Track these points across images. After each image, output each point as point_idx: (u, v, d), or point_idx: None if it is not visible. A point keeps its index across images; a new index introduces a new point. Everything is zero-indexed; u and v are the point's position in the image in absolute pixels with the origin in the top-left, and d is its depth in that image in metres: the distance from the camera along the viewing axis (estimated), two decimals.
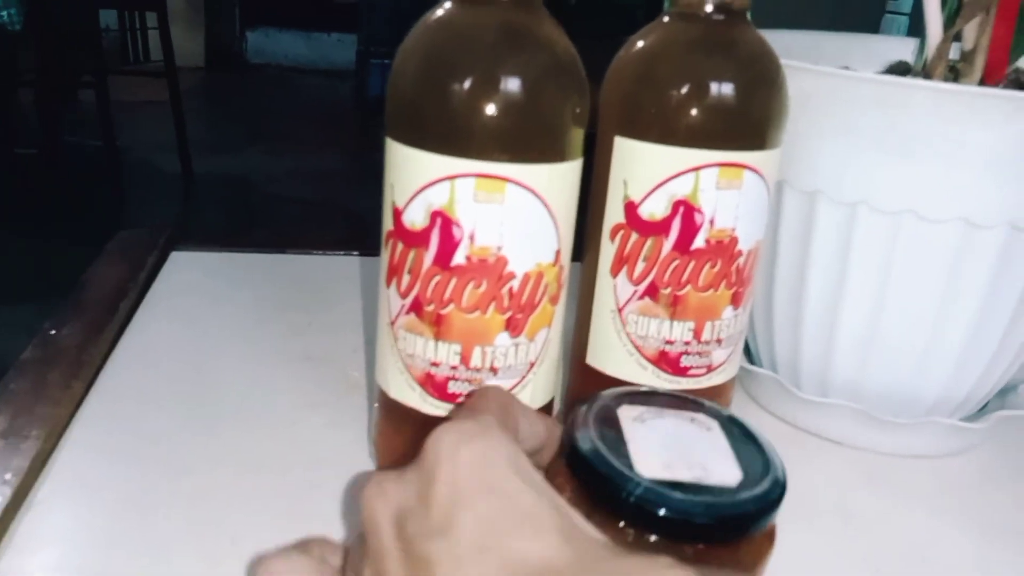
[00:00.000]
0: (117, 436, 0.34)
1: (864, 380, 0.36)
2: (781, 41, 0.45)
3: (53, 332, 0.42)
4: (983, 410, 0.39)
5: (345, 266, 0.54)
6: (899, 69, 0.40)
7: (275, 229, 2.19)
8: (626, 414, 0.25)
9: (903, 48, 0.45)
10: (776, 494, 0.22)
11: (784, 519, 0.31)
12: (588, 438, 0.23)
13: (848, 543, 0.31)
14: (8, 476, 0.30)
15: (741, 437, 0.25)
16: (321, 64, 4.54)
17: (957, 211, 0.32)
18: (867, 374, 0.36)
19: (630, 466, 0.22)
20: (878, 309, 0.34)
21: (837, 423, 0.38)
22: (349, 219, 2.28)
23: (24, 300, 1.62)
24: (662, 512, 0.21)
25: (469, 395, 0.26)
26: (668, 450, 0.23)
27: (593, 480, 0.22)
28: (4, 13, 1.79)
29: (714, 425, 0.25)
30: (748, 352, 0.42)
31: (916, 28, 0.37)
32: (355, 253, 0.55)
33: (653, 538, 0.22)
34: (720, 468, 0.23)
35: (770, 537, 0.23)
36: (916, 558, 0.31)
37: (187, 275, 0.51)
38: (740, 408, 0.40)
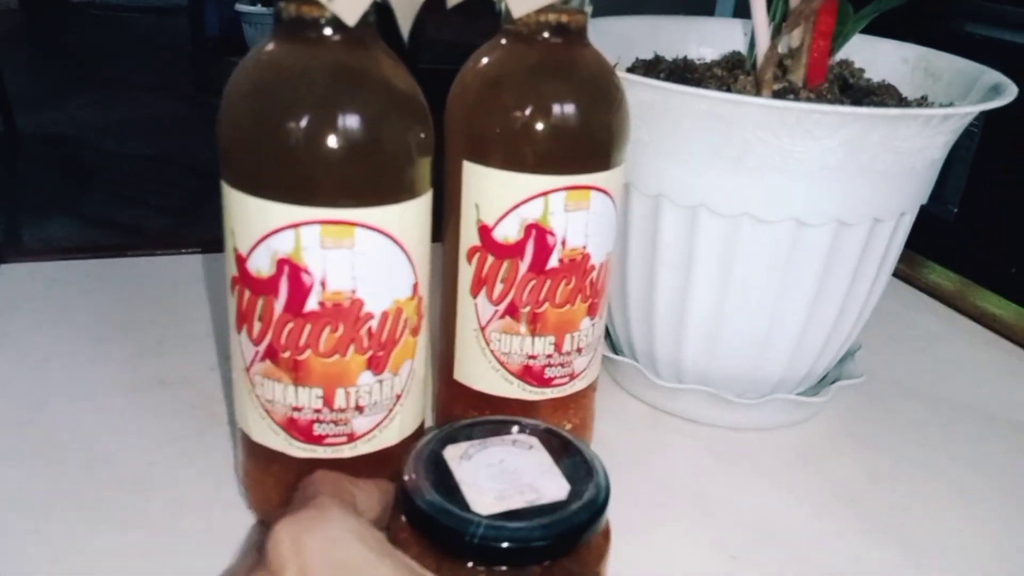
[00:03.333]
0: None
1: (713, 365, 0.39)
2: (621, 27, 0.45)
3: None
4: (823, 380, 0.42)
5: (191, 266, 0.51)
6: (733, 60, 0.41)
7: (112, 191, 2.04)
8: (452, 454, 0.26)
9: (736, 32, 0.46)
10: (602, 498, 0.25)
11: (643, 503, 0.33)
12: (421, 490, 0.25)
13: (703, 527, 0.34)
14: None
15: (561, 447, 0.27)
16: (152, 1, 4.20)
17: (788, 212, 0.34)
18: (716, 359, 0.39)
19: (467, 507, 0.24)
20: (721, 302, 0.36)
21: (692, 405, 0.40)
22: (191, 174, 2.16)
23: None
24: (505, 545, 0.23)
25: (298, 485, 0.26)
26: (498, 481, 0.25)
27: (435, 531, 0.24)
28: None
29: (535, 442, 0.27)
30: (611, 340, 0.44)
31: (744, 8, 0.38)
32: (198, 251, 0.53)
33: (503, 568, 0.23)
34: (549, 486, 0.25)
35: (606, 535, 0.26)
36: (765, 534, 0.33)
37: (17, 291, 0.47)
38: (606, 393, 0.41)
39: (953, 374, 0.48)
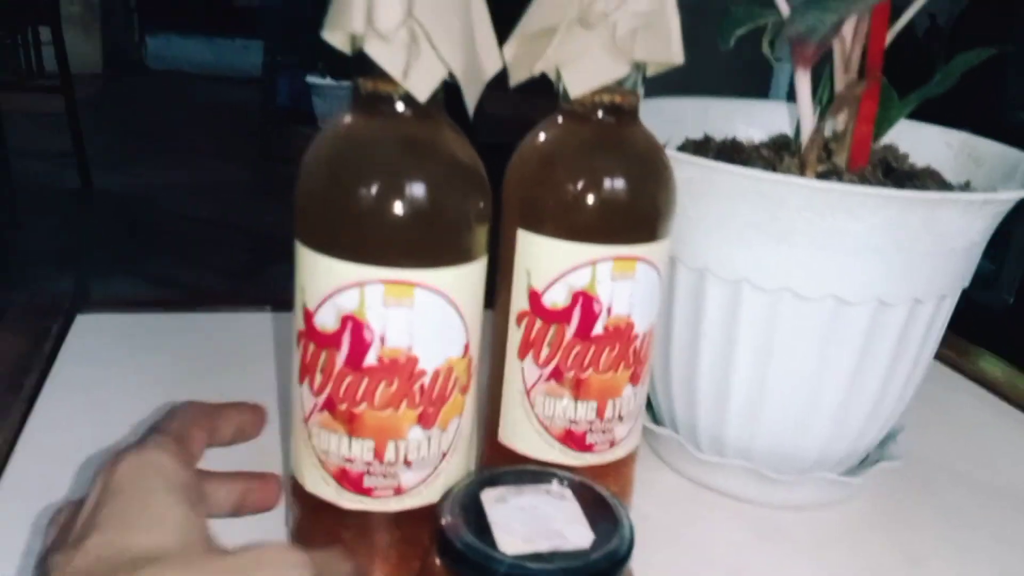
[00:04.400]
0: (30, 533, 0.34)
1: (755, 440, 0.39)
2: (673, 108, 0.47)
3: None
4: (866, 460, 0.42)
5: (254, 324, 0.54)
6: (780, 142, 0.43)
7: (176, 252, 2.13)
8: (488, 496, 0.28)
9: (784, 114, 0.48)
10: (624, 550, 0.26)
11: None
12: (454, 526, 0.26)
13: None
14: None
15: (593, 501, 0.28)
16: (226, 70, 4.42)
17: (829, 289, 0.34)
18: (757, 435, 0.39)
19: (494, 546, 0.25)
20: (762, 376, 0.37)
21: (732, 480, 0.40)
22: (252, 238, 2.24)
23: None
24: None
25: (168, 413, 0.31)
26: (527, 525, 0.27)
27: (464, 566, 0.25)
28: None
29: (567, 493, 0.29)
30: (652, 411, 0.45)
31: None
32: (267, 309, 0.55)
33: None
34: (574, 533, 0.27)
35: None
36: None
37: (94, 341, 0.50)
38: (646, 464, 0.42)
39: (996, 460, 0.47)
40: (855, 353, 0.36)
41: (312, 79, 3.13)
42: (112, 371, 0.46)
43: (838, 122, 0.38)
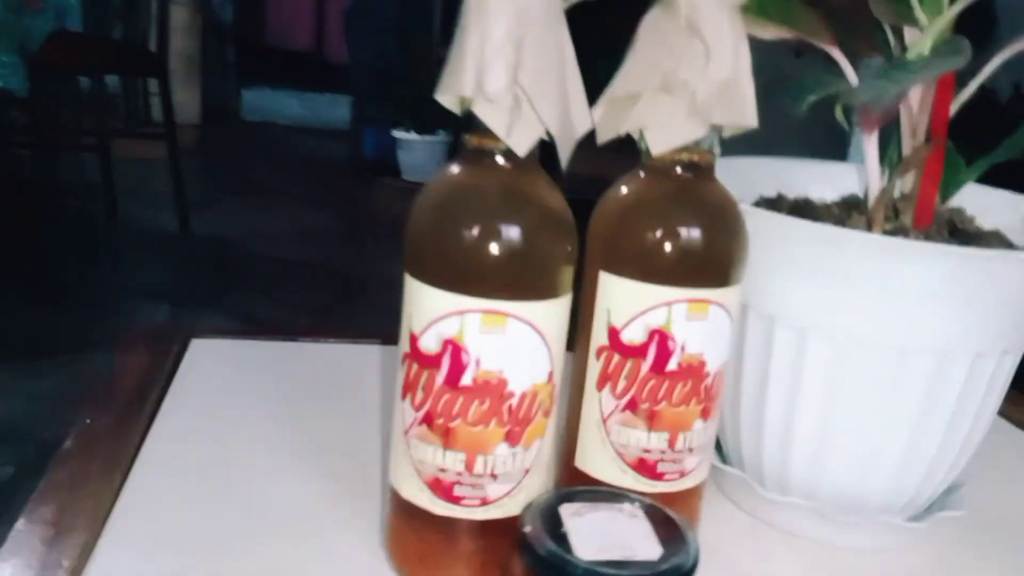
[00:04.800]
0: (153, 527, 0.38)
1: (818, 482, 0.41)
2: (751, 169, 0.50)
3: (89, 422, 0.46)
4: (929, 509, 0.43)
5: (354, 354, 0.58)
6: (851, 202, 0.45)
7: (262, 291, 2.23)
8: (567, 510, 0.31)
9: (855, 177, 0.50)
10: (689, 564, 0.28)
11: None
12: (535, 534, 0.29)
13: None
14: (64, 563, 0.34)
15: (662, 521, 0.31)
16: (315, 123, 4.63)
17: (892, 341, 0.37)
18: (820, 476, 0.41)
19: (571, 552, 0.28)
20: (826, 421, 0.39)
21: (795, 519, 0.42)
22: (335, 280, 2.33)
23: (12, 359, 1.64)
24: None
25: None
26: (601, 537, 0.29)
27: (543, 569, 0.28)
28: (10, 80, 1.85)
29: (639, 513, 0.31)
30: (720, 450, 0.47)
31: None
32: (375, 342, 0.60)
33: None
34: (644, 547, 0.29)
35: None
36: None
37: (207, 363, 0.55)
38: (712, 501, 0.44)
39: None
40: (917, 403, 0.38)
41: (397, 133, 3.26)
42: (223, 389, 0.51)
43: (905, 183, 0.41)
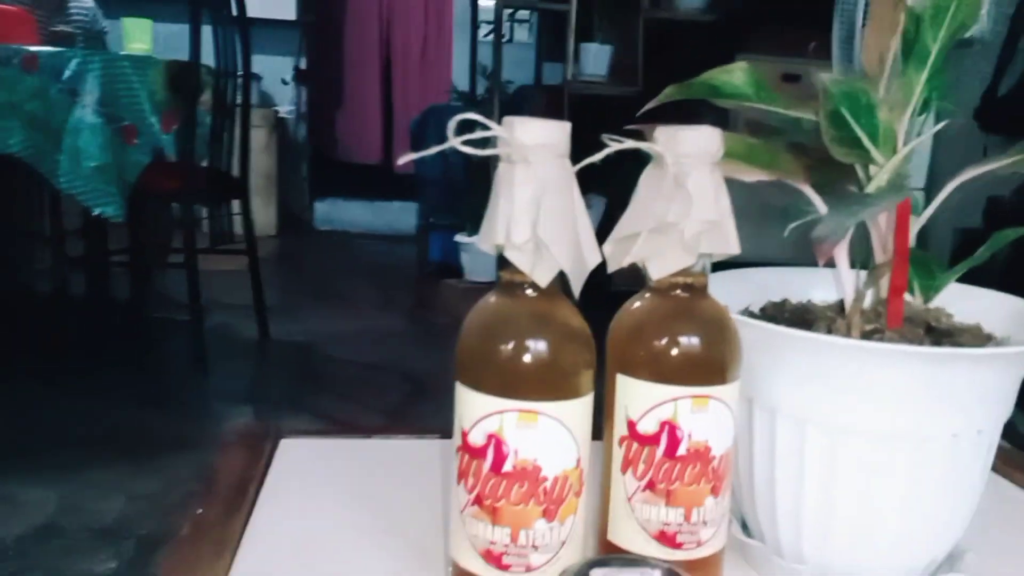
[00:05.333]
0: None
1: (828, 552, 0.46)
2: (758, 276, 0.58)
3: (200, 511, 0.55)
4: (936, 572, 0.48)
5: (423, 449, 0.66)
6: (841, 306, 0.52)
7: (337, 392, 2.34)
8: (596, 573, 0.37)
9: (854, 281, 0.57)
10: None
11: None
12: None
13: None
14: None
15: None
16: (384, 230, 4.86)
17: (877, 427, 0.43)
18: (829, 548, 0.46)
19: None
20: (828, 499, 0.45)
21: None
22: (406, 380, 2.44)
23: (115, 461, 1.77)
24: None
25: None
26: None
27: None
28: (108, 208, 2.05)
29: (657, 574, 0.38)
30: (746, 528, 0.53)
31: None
32: (436, 437, 0.68)
33: None
34: None
35: None
36: None
37: (295, 460, 0.63)
38: (735, 570, 0.50)
39: None
40: (904, 481, 0.44)
41: (460, 238, 3.42)
42: (310, 482, 0.60)
43: (881, 290, 0.48)
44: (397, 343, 2.83)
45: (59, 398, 2.13)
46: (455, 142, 0.38)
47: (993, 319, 0.50)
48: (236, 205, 2.79)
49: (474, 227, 2.86)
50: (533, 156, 0.38)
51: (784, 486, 0.47)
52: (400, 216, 4.82)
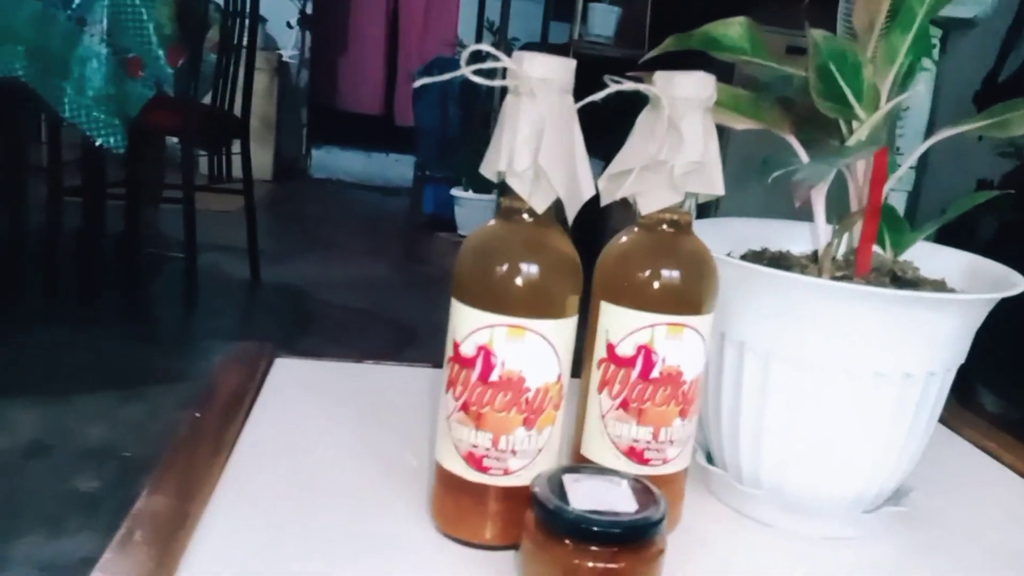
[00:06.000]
0: (250, 495, 0.49)
1: (785, 479, 0.50)
2: (741, 227, 0.61)
3: (198, 415, 0.58)
4: (883, 505, 0.52)
5: (414, 375, 0.70)
6: (816, 256, 0.55)
7: (325, 336, 2.38)
8: (568, 478, 0.41)
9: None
10: (656, 518, 0.39)
11: None
12: (543, 490, 0.40)
13: None
14: (186, 521, 0.46)
15: (642, 490, 0.41)
16: (378, 181, 4.87)
17: (836, 364, 0.46)
18: (786, 474, 0.50)
19: (568, 503, 0.39)
20: (788, 429, 0.49)
21: (768, 511, 0.51)
22: (394, 326, 2.47)
23: (102, 389, 1.80)
24: (585, 527, 0.38)
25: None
26: (593, 496, 0.40)
27: (546, 514, 0.39)
28: (111, 139, 2.05)
29: (624, 483, 0.42)
30: (710, 459, 0.56)
31: None
32: (427, 365, 0.71)
33: (586, 544, 0.38)
34: (623, 504, 0.39)
35: (660, 552, 0.39)
36: None
37: (290, 378, 0.67)
38: (699, 498, 0.53)
39: (1001, 522, 0.55)
40: (859, 415, 0.47)
41: (455, 192, 3.44)
42: (302, 397, 0.63)
43: (853, 240, 0.51)
44: (388, 291, 2.87)
45: (51, 327, 2.15)
46: (467, 70, 0.40)
47: (956, 275, 0.54)
48: (235, 146, 2.80)
49: (469, 181, 2.89)
50: (538, 89, 0.41)
51: (748, 416, 0.50)
52: (396, 168, 4.83)
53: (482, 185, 3.31)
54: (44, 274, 2.34)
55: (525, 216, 0.43)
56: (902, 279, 0.51)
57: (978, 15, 1.93)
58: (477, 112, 3.55)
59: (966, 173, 1.96)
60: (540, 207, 0.42)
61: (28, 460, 1.50)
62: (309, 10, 4.70)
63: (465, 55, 0.39)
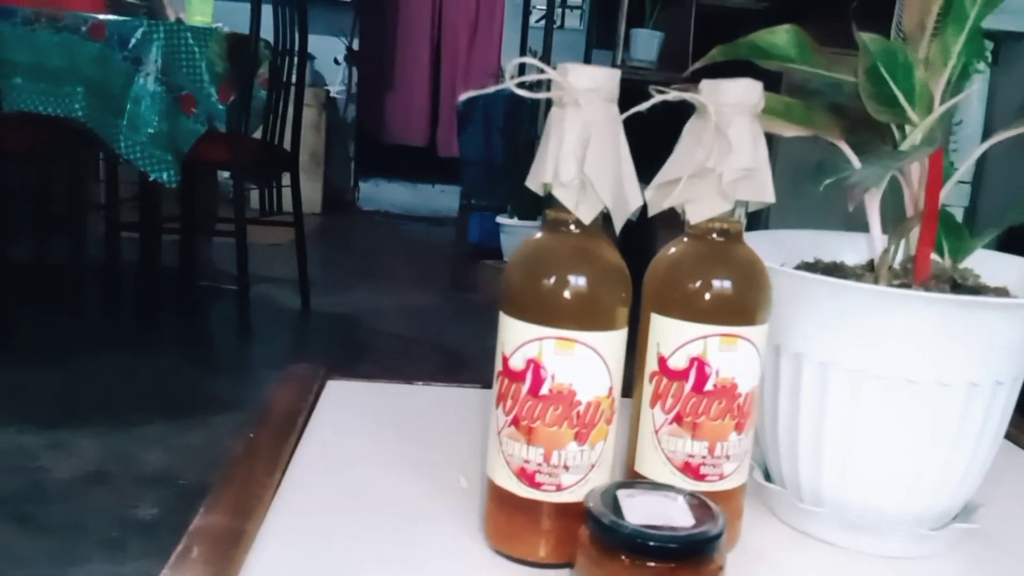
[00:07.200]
0: (305, 512, 0.50)
1: (846, 495, 0.49)
2: (793, 239, 0.60)
3: (252, 436, 0.59)
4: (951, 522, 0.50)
5: (462, 395, 0.70)
6: (871, 265, 0.54)
7: (377, 361, 2.40)
8: (622, 494, 0.40)
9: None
10: (714, 533, 0.37)
11: None
12: (597, 506, 0.39)
13: None
14: (246, 531, 0.46)
15: (699, 505, 0.40)
16: (425, 211, 4.92)
17: (898, 373, 0.45)
18: (847, 490, 0.48)
19: (623, 518, 0.38)
20: (849, 443, 0.47)
21: (828, 529, 0.49)
22: (442, 353, 2.48)
23: (161, 417, 1.84)
24: (641, 542, 0.37)
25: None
26: (648, 512, 0.39)
27: (601, 531, 0.38)
28: (164, 175, 2.12)
29: (679, 498, 0.40)
30: (766, 472, 0.55)
31: None
32: (477, 386, 0.71)
33: (642, 560, 0.37)
34: (681, 519, 0.38)
35: (720, 568, 0.38)
36: None
37: (342, 399, 0.67)
38: (757, 517, 0.52)
39: None
40: (923, 427, 0.46)
41: (501, 219, 3.45)
42: (353, 417, 0.63)
43: (911, 248, 0.49)
44: (436, 319, 2.88)
45: (110, 358, 2.21)
46: (510, 83, 0.41)
47: (1018, 282, 0.52)
48: (284, 179, 2.86)
49: (515, 209, 2.90)
50: (583, 99, 0.41)
51: (806, 430, 0.49)
52: (442, 199, 4.87)
53: (527, 212, 3.32)
54: (104, 304, 2.40)
55: (572, 227, 0.43)
56: (962, 286, 0.49)
57: None
58: (521, 141, 3.57)
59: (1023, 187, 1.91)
60: (587, 218, 0.42)
61: (90, 487, 1.54)
62: (355, 46, 4.81)
63: (509, 67, 0.40)
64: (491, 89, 0.42)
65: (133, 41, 1.97)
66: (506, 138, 3.73)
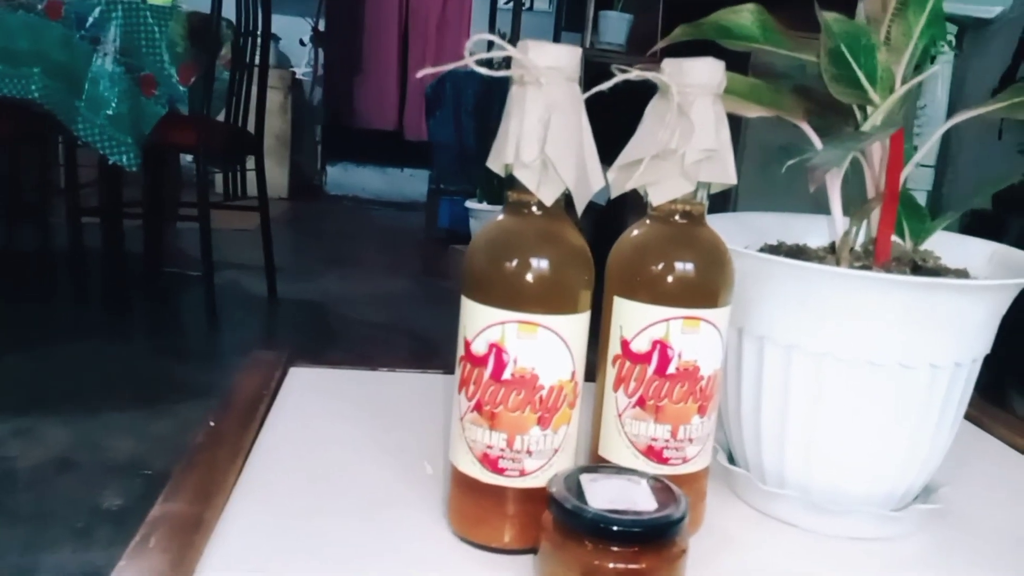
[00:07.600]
0: (266, 499, 0.49)
1: (810, 477, 0.49)
2: (758, 220, 0.60)
3: (213, 424, 0.58)
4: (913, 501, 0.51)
5: (428, 381, 0.69)
6: (833, 248, 0.54)
7: (348, 348, 2.38)
8: (585, 478, 0.40)
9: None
10: (677, 517, 0.37)
11: None
12: (560, 491, 0.39)
13: None
14: (205, 519, 0.45)
15: (662, 489, 0.40)
16: (394, 196, 4.88)
17: (860, 354, 0.45)
18: (811, 472, 0.49)
19: (586, 503, 0.38)
20: (812, 425, 0.47)
21: (792, 511, 0.50)
22: (413, 339, 2.47)
23: (129, 405, 1.81)
24: (604, 526, 0.36)
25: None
26: (611, 496, 0.39)
27: (564, 516, 0.38)
28: (123, 158, 2.07)
29: (642, 482, 0.40)
30: (732, 459, 0.55)
31: None
32: (439, 372, 0.70)
33: (605, 544, 0.36)
34: (643, 503, 0.38)
35: (682, 551, 0.38)
36: None
37: (306, 385, 0.66)
38: (721, 499, 0.52)
39: None
40: (885, 408, 0.46)
41: (470, 204, 3.44)
42: (316, 402, 0.62)
43: (872, 230, 0.50)
44: (406, 305, 2.86)
45: (78, 345, 2.17)
46: (470, 60, 0.40)
47: (979, 265, 0.52)
48: (249, 163, 2.81)
49: (484, 194, 2.87)
50: (544, 78, 0.40)
51: (769, 413, 0.49)
52: (411, 183, 4.84)
53: (497, 197, 3.30)
54: (72, 290, 2.35)
55: (534, 209, 0.42)
56: (923, 268, 0.50)
57: (996, 15, 1.91)
58: (492, 124, 3.55)
59: (984, 174, 1.94)
60: (548, 199, 0.41)
61: (57, 475, 1.51)
62: (322, 28, 4.74)
63: (468, 45, 0.39)
64: (450, 66, 0.41)
65: (91, 20, 1.92)
66: (477, 121, 3.70)
